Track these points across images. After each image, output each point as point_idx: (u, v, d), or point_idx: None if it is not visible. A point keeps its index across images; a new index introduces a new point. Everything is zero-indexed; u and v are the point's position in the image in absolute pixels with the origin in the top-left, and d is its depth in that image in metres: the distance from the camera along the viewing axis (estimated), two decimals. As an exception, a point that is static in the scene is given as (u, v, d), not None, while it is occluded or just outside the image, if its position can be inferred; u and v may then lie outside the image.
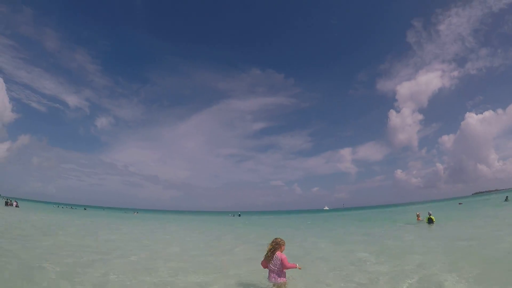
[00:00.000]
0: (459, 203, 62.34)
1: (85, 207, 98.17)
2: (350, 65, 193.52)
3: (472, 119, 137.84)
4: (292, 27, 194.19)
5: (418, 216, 21.73)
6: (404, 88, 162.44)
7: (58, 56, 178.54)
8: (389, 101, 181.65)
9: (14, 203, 43.33)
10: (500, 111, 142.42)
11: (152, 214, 72.79)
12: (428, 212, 19.44)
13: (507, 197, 41.56)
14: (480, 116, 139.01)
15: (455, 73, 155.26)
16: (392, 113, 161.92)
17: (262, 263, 5.58)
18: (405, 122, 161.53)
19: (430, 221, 18.19)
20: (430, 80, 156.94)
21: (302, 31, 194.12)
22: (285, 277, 5.36)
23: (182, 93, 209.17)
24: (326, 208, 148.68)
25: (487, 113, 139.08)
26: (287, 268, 5.33)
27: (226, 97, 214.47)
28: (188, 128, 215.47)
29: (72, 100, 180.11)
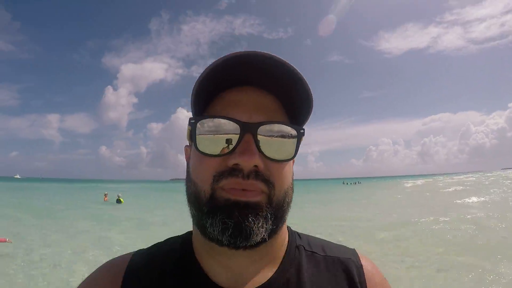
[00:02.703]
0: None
1: None
2: (80, 30, 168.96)
3: (182, 114, 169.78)
4: None
5: (105, 196, 22.86)
6: (128, 69, 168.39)
7: None
8: (110, 78, 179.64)
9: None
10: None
11: None
12: (117, 194, 21.68)
13: None
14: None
15: (180, 71, 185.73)
16: (109, 90, 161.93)
17: None
18: (119, 102, 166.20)
19: (118, 202, 20.82)
20: (155, 69, 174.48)
21: None
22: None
23: None
24: (18, 176, 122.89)
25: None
26: None
27: None
28: None
29: None
